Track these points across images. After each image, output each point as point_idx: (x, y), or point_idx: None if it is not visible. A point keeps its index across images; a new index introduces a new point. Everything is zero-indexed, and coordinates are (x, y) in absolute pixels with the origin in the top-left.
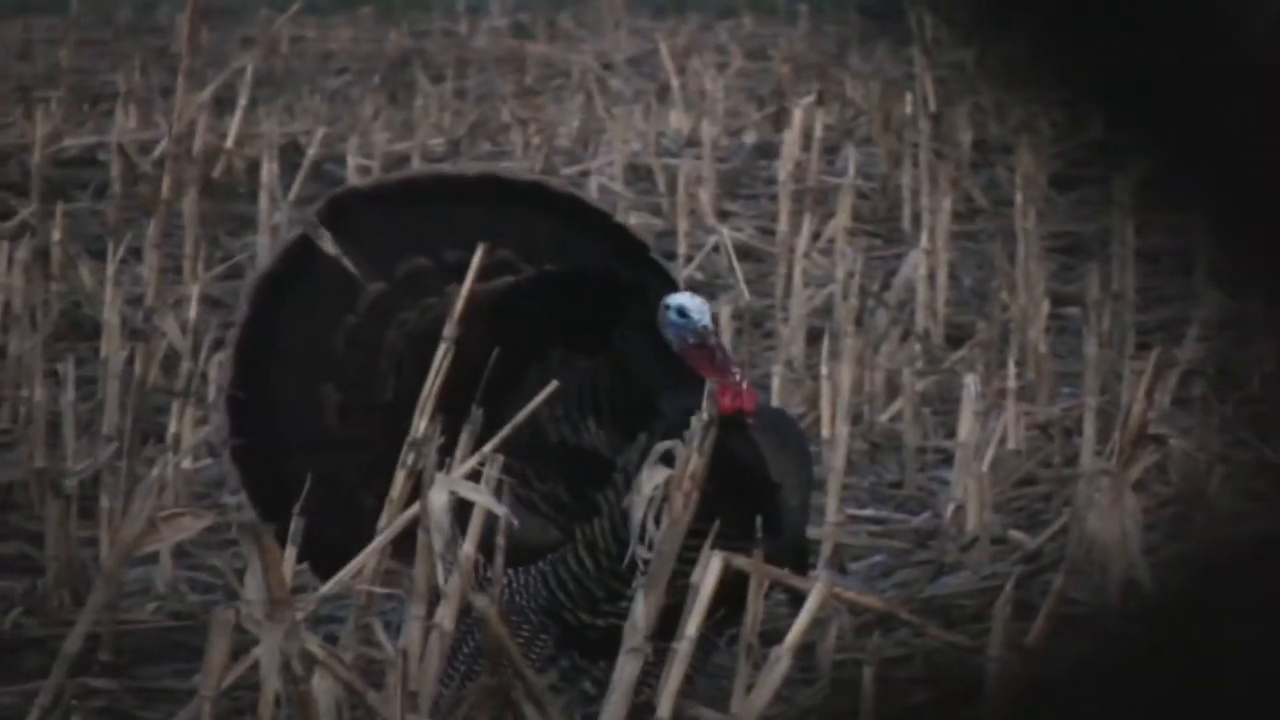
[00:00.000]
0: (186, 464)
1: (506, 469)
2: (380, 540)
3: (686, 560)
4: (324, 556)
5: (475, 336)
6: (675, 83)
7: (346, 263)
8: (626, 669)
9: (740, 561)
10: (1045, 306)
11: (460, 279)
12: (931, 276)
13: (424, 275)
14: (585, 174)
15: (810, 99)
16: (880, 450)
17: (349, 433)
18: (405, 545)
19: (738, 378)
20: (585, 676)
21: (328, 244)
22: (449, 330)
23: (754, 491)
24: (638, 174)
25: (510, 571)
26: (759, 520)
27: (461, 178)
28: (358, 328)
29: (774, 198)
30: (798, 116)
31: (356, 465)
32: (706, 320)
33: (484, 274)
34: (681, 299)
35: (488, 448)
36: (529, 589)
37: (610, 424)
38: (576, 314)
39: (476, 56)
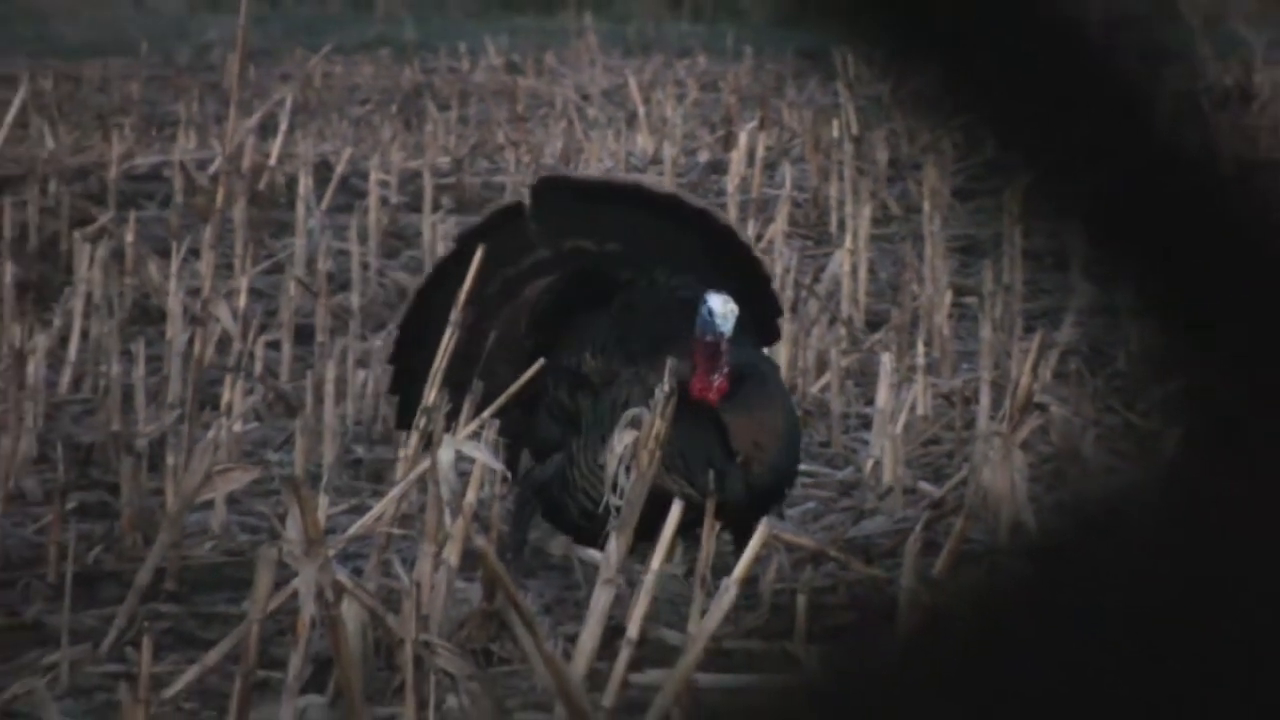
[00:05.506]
0: (237, 427)
1: (543, 382)
2: (397, 490)
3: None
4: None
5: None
6: (641, 111)
7: (531, 226)
8: (601, 599)
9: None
10: (948, 297)
11: (614, 265)
12: (854, 272)
13: (583, 255)
14: None
15: (753, 124)
16: (811, 416)
17: (468, 349)
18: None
19: (718, 379)
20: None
21: (527, 210)
22: (455, 316)
23: (710, 457)
24: None
25: (534, 461)
26: (712, 479)
27: (649, 191)
28: (511, 278)
29: (723, 206)
30: (743, 139)
31: (461, 375)
32: (727, 328)
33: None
34: (717, 302)
35: (486, 413)
36: (540, 473)
37: (602, 361)
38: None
39: (476, 89)
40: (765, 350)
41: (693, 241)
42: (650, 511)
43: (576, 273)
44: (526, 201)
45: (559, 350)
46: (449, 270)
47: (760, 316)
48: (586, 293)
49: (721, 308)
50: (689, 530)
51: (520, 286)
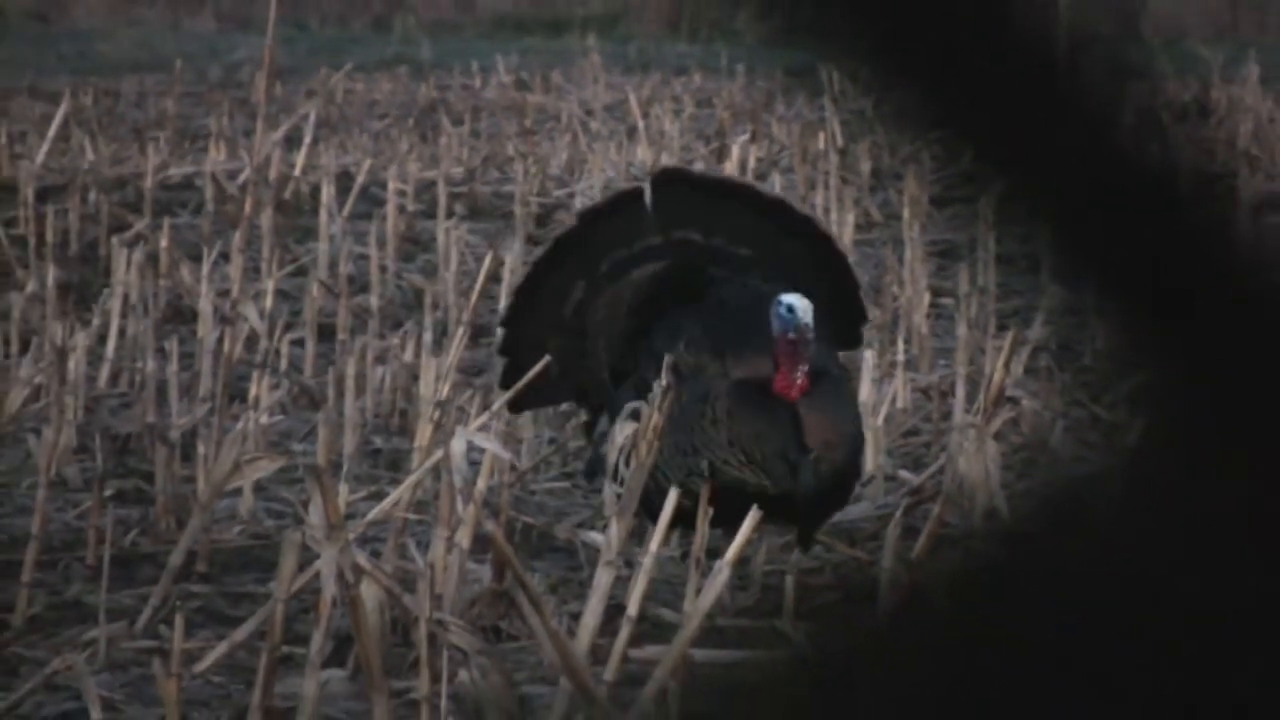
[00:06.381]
0: (264, 420)
1: (635, 360)
2: (413, 478)
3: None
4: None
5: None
6: (641, 125)
7: (648, 213)
8: (603, 579)
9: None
10: (926, 298)
11: (712, 260)
12: None
13: (690, 246)
14: (571, 196)
15: (745, 137)
16: None
17: (572, 322)
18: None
19: (800, 377)
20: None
21: (646, 197)
22: (467, 317)
23: (784, 451)
24: None
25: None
26: (782, 472)
27: (760, 194)
28: (620, 261)
29: None
30: (735, 151)
31: (562, 344)
32: (809, 319)
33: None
34: (793, 299)
35: (495, 406)
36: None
37: (691, 353)
38: (693, 283)
39: (487, 105)
40: (842, 355)
41: (793, 244)
42: (730, 501)
43: (677, 265)
44: (646, 189)
45: (654, 335)
46: (566, 244)
47: (844, 322)
48: (684, 284)
49: (800, 303)
50: (765, 522)
51: (628, 269)
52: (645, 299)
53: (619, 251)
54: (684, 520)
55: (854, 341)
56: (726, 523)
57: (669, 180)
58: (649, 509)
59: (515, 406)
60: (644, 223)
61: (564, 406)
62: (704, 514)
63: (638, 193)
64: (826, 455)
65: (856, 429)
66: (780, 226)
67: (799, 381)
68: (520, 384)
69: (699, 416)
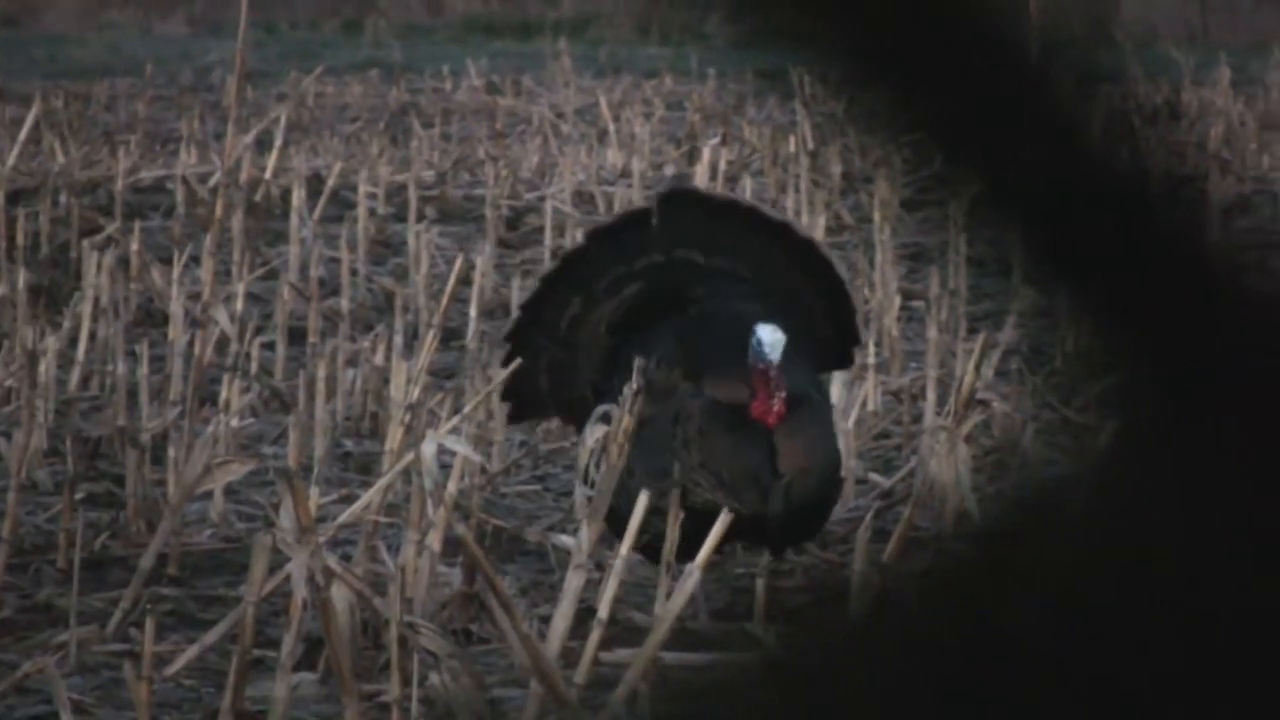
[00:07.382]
0: (235, 423)
1: (618, 377)
2: (384, 481)
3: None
4: (516, 400)
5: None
6: (612, 128)
7: (652, 231)
8: (573, 582)
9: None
10: (897, 300)
11: (712, 280)
12: None
13: (688, 266)
14: (542, 199)
15: (716, 141)
16: None
17: (565, 336)
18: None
19: (775, 402)
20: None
21: (654, 218)
22: (437, 320)
23: (756, 475)
24: (583, 199)
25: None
26: (753, 495)
27: (764, 215)
28: (618, 278)
29: None
30: (706, 154)
31: (554, 356)
32: (776, 356)
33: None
34: (765, 332)
35: (466, 409)
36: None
37: (665, 371)
38: (673, 302)
39: (458, 108)
40: (832, 374)
41: (793, 266)
42: (696, 527)
43: (660, 282)
44: (653, 208)
45: (633, 350)
46: (574, 261)
47: (837, 345)
48: (664, 302)
49: (769, 337)
50: (733, 543)
51: (624, 285)
52: (625, 316)
53: (619, 268)
54: (655, 546)
55: (845, 362)
56: (697, 549)
57: (674, 198)
58: (615, 527)
59: (513, 417)
60: (648, 241)
61: None
62: (675, 517)
63: (646, 212)
64: (799, 480)
65: (833, 458)
66: (782, 248)
67: (776, 408)
68: (495, 384)
69: (669, 439)
